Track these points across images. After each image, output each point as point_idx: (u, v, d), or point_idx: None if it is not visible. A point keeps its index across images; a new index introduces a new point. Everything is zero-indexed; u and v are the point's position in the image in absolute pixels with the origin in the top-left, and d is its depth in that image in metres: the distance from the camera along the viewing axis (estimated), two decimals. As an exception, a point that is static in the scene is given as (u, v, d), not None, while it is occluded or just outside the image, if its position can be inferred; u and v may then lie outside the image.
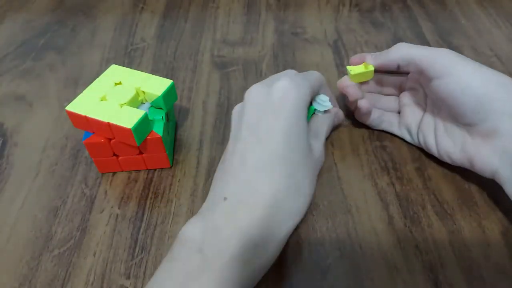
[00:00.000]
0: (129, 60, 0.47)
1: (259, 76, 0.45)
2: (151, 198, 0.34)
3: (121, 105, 0.31)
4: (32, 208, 0.33)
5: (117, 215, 0.33)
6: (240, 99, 0.32)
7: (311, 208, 0.33)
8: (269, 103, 0.29)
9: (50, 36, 0.50)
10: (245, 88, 0.43)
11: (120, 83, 0.33)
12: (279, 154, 0.27)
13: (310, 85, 0.31)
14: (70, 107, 0.31)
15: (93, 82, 0.33)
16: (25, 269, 0.30)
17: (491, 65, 0.46)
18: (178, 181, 0.35)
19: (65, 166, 0.36)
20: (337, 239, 0.31)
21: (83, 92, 0.33)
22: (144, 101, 0.34)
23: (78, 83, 0.44)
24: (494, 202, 0.33)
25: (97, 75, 0.45)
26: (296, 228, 0.32)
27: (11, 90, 0.44)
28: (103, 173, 0.35)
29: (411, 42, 0.49)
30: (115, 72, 0.34)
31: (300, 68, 0.45)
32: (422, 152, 0.36)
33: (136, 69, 0.45)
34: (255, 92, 0.30)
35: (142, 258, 0.30)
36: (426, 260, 0.30)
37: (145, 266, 0.30)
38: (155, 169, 0.36)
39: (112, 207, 0.33)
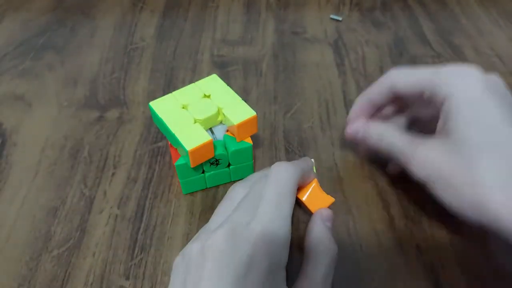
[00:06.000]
0: (129, 60, 0.47)
1: (259, 76, 0.44)
2: (150, 198, 0.34)
3: (195, 121, 0.31)
4: (31, 208, 0.33)
5: (117, 215, 0.33)
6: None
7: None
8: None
9: (49, 35, 0.50)
10: (245, 88, 0.44)
11: (209, 96, 0.33)
12: None
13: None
14: (153, 104, 0.32)
15: (188, 86, 0.33)
16: (24, 269, 0.29)
17: (492, 65, 0.46)
18: (178, 181, 0.35)
19: (64, 166, 0.36)
20: (337, 239, 0.31)
21: (173, 92, 0.33)
22: (224, 122, 0.33)
23: (77, 83, 0.44)
24: (495, 202, 0.33)
25: (97, 74, 0.45)
26: (297, 229, 0.32)
27: (10, 90, 0.44)
28: (102, 174, 0.35)
29: (412, 41, 0.49)
30: (211, 83, 0.34)
31: (300, 68, 0.45)
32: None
33: (138, 69, 0.45)
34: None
35: (141, 259, 0.30)
36: (426, 260, 0.29)
37: (145, 267, 0.30)
38: (154, 169, 0.36)
39: (111, 208, 0.33)
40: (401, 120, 0.33)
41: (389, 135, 0.30)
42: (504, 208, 0.23)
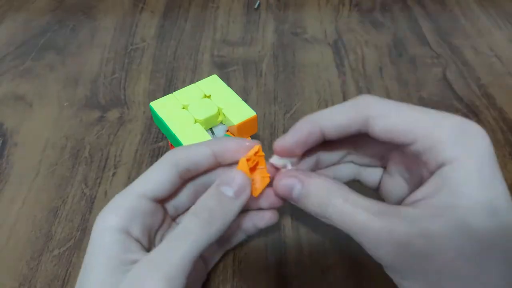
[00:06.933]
0: (129, 60, 0.47)
1: (259, 76, 0.45)
2: (151, 198, 0.34)
3: (196, 121, 0.31)
4: (32, 208, 0.33)
5: (117, 215, 0.33)
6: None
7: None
8: None
9: (50, 36, 0.50)
10: (245, 88, 0.44)
11: (209, 96, 0.33)
12: None
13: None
14: (154, 104, 0.32)
15: (188, 86, 0.33)
16: (25, 269, 0.30)
17: (491, 65, 0.46)
18: (178, 181, 0.35)
19: (65, 166, 0.36)
20: (337, 239, 0.31)
21: (174, 93, 0.33)
22: (224, 122, 0.33)
23: (78, 83, 0.44)
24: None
25: (98, 74, 0.45)
26: (297, 228, 0.32)
27: (11, 90, 0.44)
28: (103, 174, 0.35)
29: (411, 42, 0.49)
30: (212, 83, 0.34)
31: (300, 68, 0.45)
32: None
33: (139, 69, 0.45)
34: None
35: (142, 258, 0.30)
36: (426, 260, 0.29)
37: (145, 266, 0.30)
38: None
39: (112, 207, 0.33)
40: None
41: (341, 201, 0.21)
42: None
